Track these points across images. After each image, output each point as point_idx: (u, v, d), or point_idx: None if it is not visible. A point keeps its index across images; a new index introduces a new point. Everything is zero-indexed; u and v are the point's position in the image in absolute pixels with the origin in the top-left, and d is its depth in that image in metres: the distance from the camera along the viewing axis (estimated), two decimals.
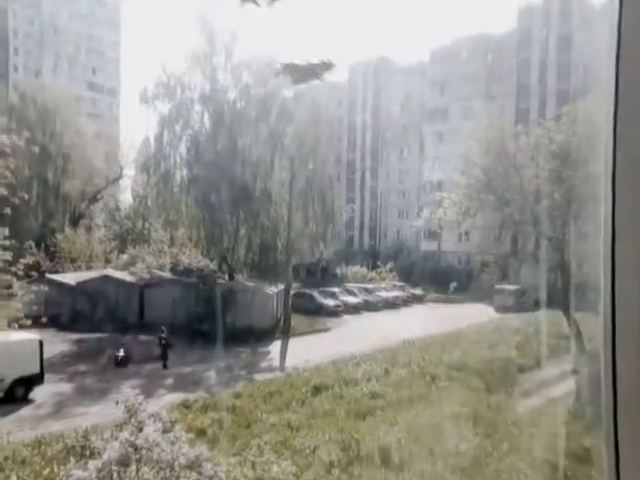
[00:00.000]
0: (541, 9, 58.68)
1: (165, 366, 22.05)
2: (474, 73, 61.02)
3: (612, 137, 1.28)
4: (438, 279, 47.77)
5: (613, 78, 1.27)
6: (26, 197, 27.71)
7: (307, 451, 12.69)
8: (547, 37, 58.08)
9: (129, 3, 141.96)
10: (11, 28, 73.95)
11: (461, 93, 61.29)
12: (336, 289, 40.83)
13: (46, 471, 11.13)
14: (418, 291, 45.88)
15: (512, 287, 37.25)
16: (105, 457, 8.07)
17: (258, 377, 20.88)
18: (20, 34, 75.24)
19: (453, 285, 45.87)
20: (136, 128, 47.64)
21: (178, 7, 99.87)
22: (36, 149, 32.80)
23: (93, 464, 8.19)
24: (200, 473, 8.67)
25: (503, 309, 36.42)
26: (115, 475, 8.25)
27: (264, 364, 24.21)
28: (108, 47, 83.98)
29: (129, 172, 48.98)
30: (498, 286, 37.73)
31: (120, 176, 48.93)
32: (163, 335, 22.46)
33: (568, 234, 21.44)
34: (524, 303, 32.22)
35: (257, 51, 33.51)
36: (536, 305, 24.40)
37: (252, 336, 26.87)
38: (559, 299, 22.28)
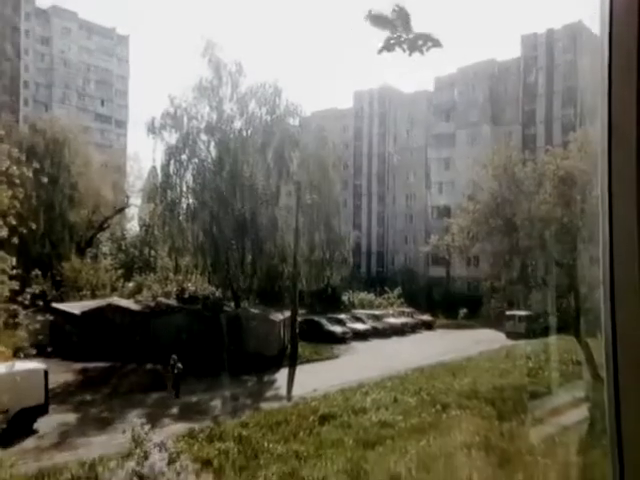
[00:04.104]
0: (545, 36, 59.60)
1: (177, 395, 21.70)
2: (480, 99, 61.70)
3: (607, 166, 1.33)
4: (447, 305, 47.43)
5: (606, 110, 1.33)
6: (34, 227, 27.77)
7: None
8: (551, 64, 58.82)
9: (138, 36, 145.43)
10: (22, 63, 75.63)
11: (467, 119, 61.87)
12: (344, 316, 40.51)
13: None
14: (427, 317, 45.48)
15: (523, 313, 36.85)
16: None
17: (265, 406, 20.56)
18: (31, 68, 76.92)
19: (463, 311, 45.47)
20: (143, 158, 48.29)
21: (185, 40, 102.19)
22: (44, 179, 33.10)
23: None
24: None
25: (514, 335, 35.98)
26: None
27: (271, 393, 23.88)
28: (116, 79, 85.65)
29: (136, 201, 49.32)
30: (509, 312, 37.34)
31: (127, 205, 49.24)
32: (178, 365, 22.14)
33: (578, 259, 21.27)
34: (535, 329, 31.80)
35: (263, 80, 33.83)
36: (548, 331, 24.07)
37: (258, 364, 26.56)
38: (571, 325, 22.00)
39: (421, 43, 3.53)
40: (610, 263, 1.32)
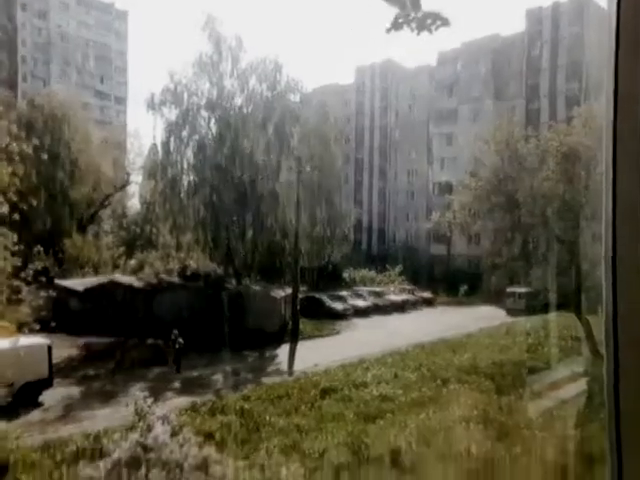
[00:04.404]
0: (550, 10, 58.62)
1: (179, 370, 21.96)
2: (483, 74, 61.02)
3: (612, 140, 1.30)
4: (448, 282, 47.60)
5: (612, 82, 1.31)
6: (34, 203, 27.79)
7: (316, 454, 12.56)
8: (556, 38, 57.96)
9: (136, 11, 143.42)
10: (20, 37, 74.70)
11: (470, 95, 61.24)
12: (345, 292, 40.72)
13: (56, 474, 11.10)
14: (427, 294, 45.68)
15: (523, 290, 37.00)
16: (115, 456, 8.04)
17: (266, 380, 20.79)
18: (28, 43, 75.99)
19: (463, 288, 45.66)
20: (143, 135, 47.86)
21: (184, 14, 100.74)
22: (44, 156, 32.94)
23: (103, 463, 8.15)
24: (209, 474, 8.60)
25: (515, 312, 36.17)
26: (125, 477, 8.21)
27: (272, 368, 24.12)
28: (115, 55, 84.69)
29: (136, 178, 49.05)
30: (509, 289, 37.50)
31: (127, 182, 49.01)
32: (179, 340, 22.35)
33: (580, 236, 21.26)
34: (536, 306, 31.98)
35: (263, 55, 33.45)
36: (548, 308, 24.19)
37: (260, 340, 26.77)
38: (571, 301, 22.08)
39: (430, 22, 3.41)
40: (613, 239, 1.31)
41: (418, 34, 3.38)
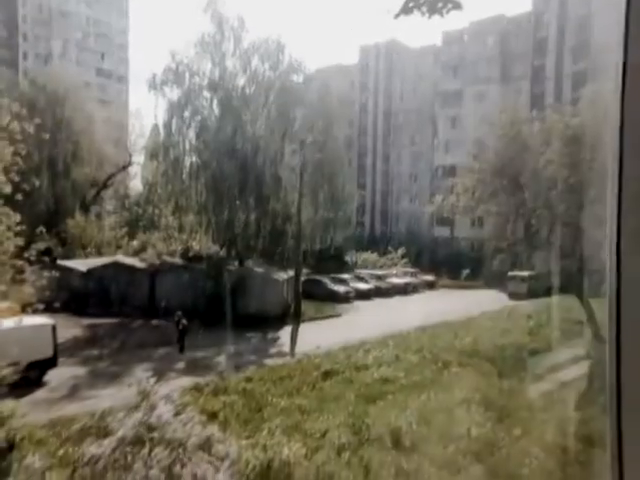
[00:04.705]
0: None
1: (182, 350, 22.12)
2: (488, 55, 60.30)
3: (619, 123, 1.28)
4: (450, 265, 47.62)
5: (621, 65, 1.29)
6: (37, 183, 27.80)
7: (318, 434, 12.68)
8: (563, 18, 57.09)
9: None
10: (20, 14, 73.91)
11: (475, 76, 60.59)
12: (347, 275, 40.80)
13: (61, 451, 11.24)
14: (430, 277, 45.73)
15: (525, 273, 36.97)
16: (119, 434, 8.10)
17: (269, 362, 20.92)
18: (29, 20, 75.19)
19: (466, 271, 45.69)
20: (145, 115, 47.54)
21: None
22: (46, 135, 32.78)
23: (107, 441, 8.23)
24: (212, 454, 8.68)
25: (517, 296, 36.20)
26: (129, 455, 8.29)
27: (274, 349, 24.25)
28: (116, 33, 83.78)
29: (138, 159, 48.92)
30: (511, 272, 37.48)
31: (129, 163, 48.87)
32: (183, 321, 22.49)
33: (584, 219, 21.17)
34: (538, 289, 31.97)
35: (266, 35, 33.07)
36: (550, 291, 24.22)
37: (262, 322, 26.89)
38: (574, 285, 22.08)
39: (441, 5, 3.33)
40: (617, 222, 1.30)
41: (429, 18, 3.29)
